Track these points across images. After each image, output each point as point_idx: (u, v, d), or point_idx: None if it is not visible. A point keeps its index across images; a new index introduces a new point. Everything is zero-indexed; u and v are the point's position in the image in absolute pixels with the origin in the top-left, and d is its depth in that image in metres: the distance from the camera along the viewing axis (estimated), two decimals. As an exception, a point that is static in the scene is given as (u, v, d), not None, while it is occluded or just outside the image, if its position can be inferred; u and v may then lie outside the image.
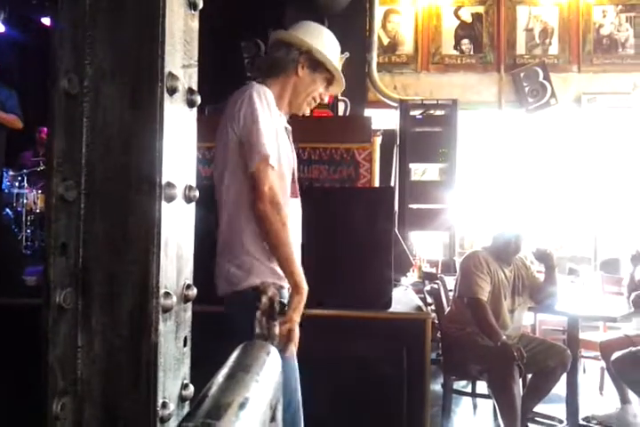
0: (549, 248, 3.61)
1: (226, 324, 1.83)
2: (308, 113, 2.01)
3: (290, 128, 1.92)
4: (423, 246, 6.33)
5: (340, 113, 5.86)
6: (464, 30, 7.08)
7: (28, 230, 5.99)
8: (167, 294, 0.85)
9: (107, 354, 0.84)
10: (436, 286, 3.97)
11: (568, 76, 6.96)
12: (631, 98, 6.75)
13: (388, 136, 5.18)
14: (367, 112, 5.98)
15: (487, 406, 3.83)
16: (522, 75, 6.93)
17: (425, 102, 6.15)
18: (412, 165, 5.98)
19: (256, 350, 0.84)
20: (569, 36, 6.98)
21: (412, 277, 4.71)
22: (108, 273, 0.85)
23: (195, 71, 0.94)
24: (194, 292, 0.93)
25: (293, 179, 1.89)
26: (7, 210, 5.88)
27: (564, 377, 3.35)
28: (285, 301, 1.75)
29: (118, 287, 0.84)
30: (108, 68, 0.85)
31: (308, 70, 1.89)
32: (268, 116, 1.73)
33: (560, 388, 3.42)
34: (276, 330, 1.59)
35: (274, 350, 0.86)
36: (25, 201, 6.06)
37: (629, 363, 3.36)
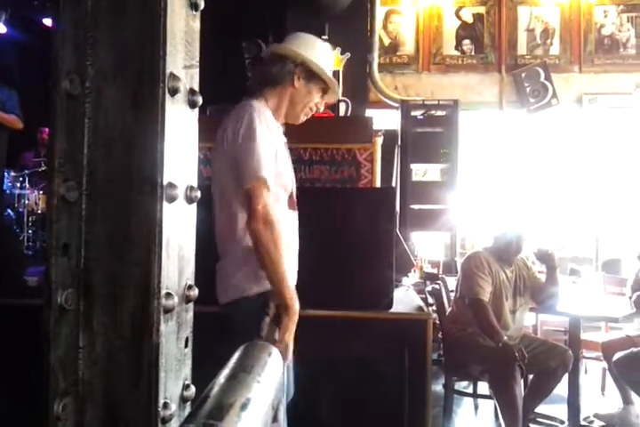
0: (551, 249, 3.61)
1: (227, 326, 1.85)
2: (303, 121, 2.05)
3: (286, 140, 1.96)
4: (424, 247, 6.32)
5: (342, 113, 5.87)
6: (465, 31, 7.08)
7: (30, 231, 6.00)
8: (169, 295, 0.85)
9: (108, 355, 0.84)
10: (437, 286, 3.96)
11: (569, 77, 6.96)
12: (632, 98, 6.75)
13: (390, 137, 5.18)
14: (368, 112, 5.98)
15: (488, 406, 3.83)
16: (523, 75, 6.93)
17: (426, 103, 6.15)
18: (413, 166, 5.98)
19: (258, 350, 0.84)
20: (570, 37, 6.98)
21: (413, 277, 4.71)
22: (110, 274, 0.85)
23: (196, 72, 0.95)
24: (195, 292, 0.93)
25: (291, 192, 1.93)
26: (9, 210, 5.89)
27: (565, 378, 3.35)
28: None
29: (120, 288, 0.84)
30: (109, 69, 0.85)
31: (304, 81, 1.94)
32: (267, 136, 1.77)
33: (562, 388, 3.42)
34: (276, 335, 1.67)
35: (275, 351, 0.86)
36: (26, 202, 6.07)
37: (631, 363, 3.36)
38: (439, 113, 6.16)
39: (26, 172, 6.22)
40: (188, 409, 0.91)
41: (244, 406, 0.62)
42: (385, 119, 6.12)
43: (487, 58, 7.05)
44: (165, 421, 0.83)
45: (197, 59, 0.95)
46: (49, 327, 0.84)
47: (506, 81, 7.00)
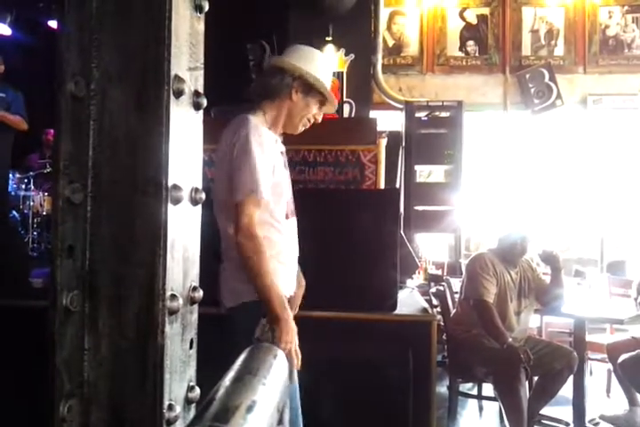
0: (555, 250, 3.60)
1: (229, 328, 1.86)
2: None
3: (284, 150, 2.00)
4: (429, 248, 6.31)
5: (346, 115, 5.88)
6: (469, 32, 7.07)
7: (35, 233, 6.01)
8: (173, 297, 0.85)
9: (113, 356, 0.84)
10: (441, 288, 3.96)
11: (574, 78, 6.94)
12: (637, 99, 6.72)
13: (394, 138, 5.17)
14: (372, 114, 5.98)
15: (493, 408, 3.82)
16: (527, 76, 6.91)
17: (430, 104, 6.15)
18: (417, 167, 5.97)
19: (263, 353, 0.84)
20: (575, 38, 6.96)
21: (417, 279, 4.70)
22: (115, 275, 0.85)
23: (201, 74, 0.95)
24: (200, 294, 0.93)
25: (289, 202, 1.98)
26: (14, 212, 5.89)
27: (570, 379, 3.34)
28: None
29: (125, 290, 0.84)
30: (114, 71, 0.85)
31: (302, 95, 1.98)
32: (261, 151, 1.82)
33: (567, 390, 3.41)
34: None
35: (280, 354, 0.86)
36: (31, 203, 6.08)
37: (637, 365, 3.35)
38: (443, 114, 6.15)
39: (31, 173, 6.23)
40: (192, 411, 0.91)
41: (249, 409, 0.62)
42: (389, 121, 6.12)
43: (491, 59, 7.04)
44: (170, 422, 0.83)
45: (202, 61, 0.95)
46: (54, 329, 0.84)
47: (510, 82, 6.99)
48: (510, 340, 3.15)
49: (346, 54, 5.97)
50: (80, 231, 0.85)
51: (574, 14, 6.95)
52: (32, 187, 6.19)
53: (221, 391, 0.66)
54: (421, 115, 6.03)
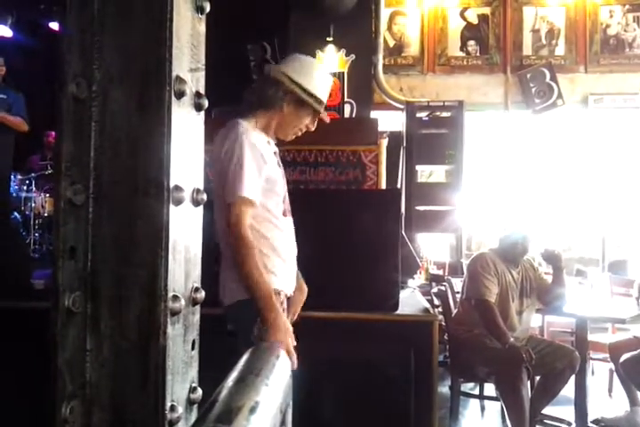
0: (557, 249, 3.60)
1: (226, 325, 1.88)
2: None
3: (278, 151, 2.03)
4: (430, 248, 6.31)
5: (347, 115, 5.88)
6: (470, 32, 7.07)
7: (36, 234, 6.01)
8: (175, 298, 0.85)
9: (115, 358, 0.84)
10: (443, 287, 3.96)
11: (575, 77, 6.93)
12: (638, 98, 6.72)
13: (395, 138, 5.17)
14: (373, 114, 5.98)
15: (495, 408, 3.81)
16: (528, 76, 6.91)
17: (431, 104, 6.14)
18: (418, 167, 5.97)
19: (266, 353, 0.84)
20: (576, 37, 6.96)
21: (419, 279, 4.70)
22: (117, 276, 0.85)
23: (202, 75, 0.95)
24: (202, 295, 0.93)
25: (285, 200, 1.99)
26: (15, 214, 5.90)
27: (572, 379, 3.33)
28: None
29: (127, 291, 0.84)
30: (116, 73, 0.85)
31: (294, 108, 2.00)
32: (252, 156, 1.85)
33: (569, 390, 3.40)
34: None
35: (283, 354, 0.86)
36: (33, 205, 6.09)
37: (638, 365, 3.34)
38: (444, 114, 6.15)
39: (32, 175, 6.24)
40: (194, 412, 0.91)
41: (252, 410, 0.62)
42: (390, 121, 6.11)
43: (492, 59, 7.03)
44: (172, 423, 0.83)
45: (203, 62, 0.95)
46: (56, 330, 0.84)
47: (511, 82, 6.98)
48: (512, 340, 3.15)
49: (347, 54, 5.97)
50: (82, 232, 0.85)
51: (575, 14, 6.94)
52: (33, 188, 6.19)
53: (224, 392, 0.66)
54: (422, 115, 6.02)
